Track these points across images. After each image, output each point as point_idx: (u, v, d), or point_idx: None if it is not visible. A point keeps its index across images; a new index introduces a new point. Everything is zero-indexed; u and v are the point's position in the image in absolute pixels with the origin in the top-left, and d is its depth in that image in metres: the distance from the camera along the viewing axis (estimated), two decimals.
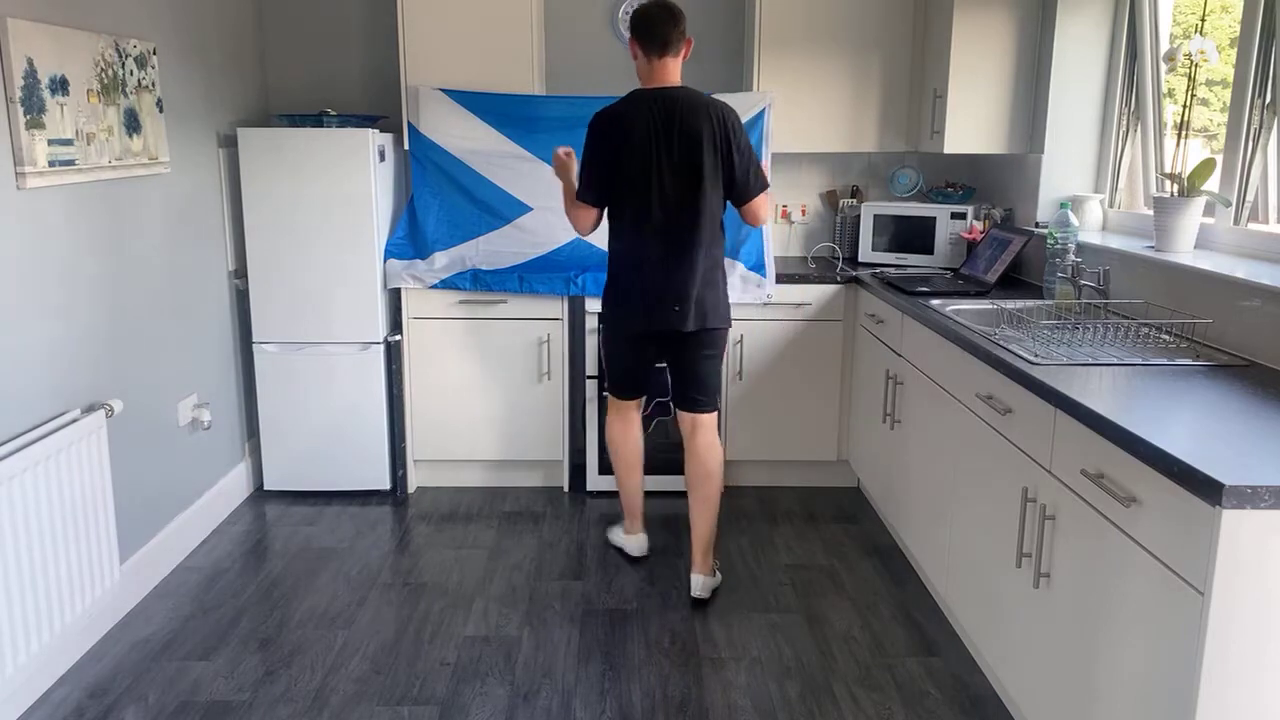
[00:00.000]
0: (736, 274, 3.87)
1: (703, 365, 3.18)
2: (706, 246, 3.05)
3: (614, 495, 4.03)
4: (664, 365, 3.87)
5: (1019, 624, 2.37)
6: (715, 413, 3.26)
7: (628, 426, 3.39)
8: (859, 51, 4.04)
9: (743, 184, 3.05)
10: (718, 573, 3.27)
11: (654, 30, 3.01)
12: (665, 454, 3.99)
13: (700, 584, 3.15)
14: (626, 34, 4.27)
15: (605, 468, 4.01)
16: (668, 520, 3.79)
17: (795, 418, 4.04)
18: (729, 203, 3.13)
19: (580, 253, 3.98)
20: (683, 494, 4.02)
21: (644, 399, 3.45)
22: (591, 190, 3.09)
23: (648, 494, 4.01)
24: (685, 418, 3.25)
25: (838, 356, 4.00)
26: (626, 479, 3.43)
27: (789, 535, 3.66)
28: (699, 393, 3.21)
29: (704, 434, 3.22)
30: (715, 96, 3.93)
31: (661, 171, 3.00)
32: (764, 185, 3.11)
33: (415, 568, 3.38)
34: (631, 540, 3.47)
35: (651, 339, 3.18)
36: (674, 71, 3.07)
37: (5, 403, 2.50)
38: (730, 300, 3.86)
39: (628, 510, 3.48)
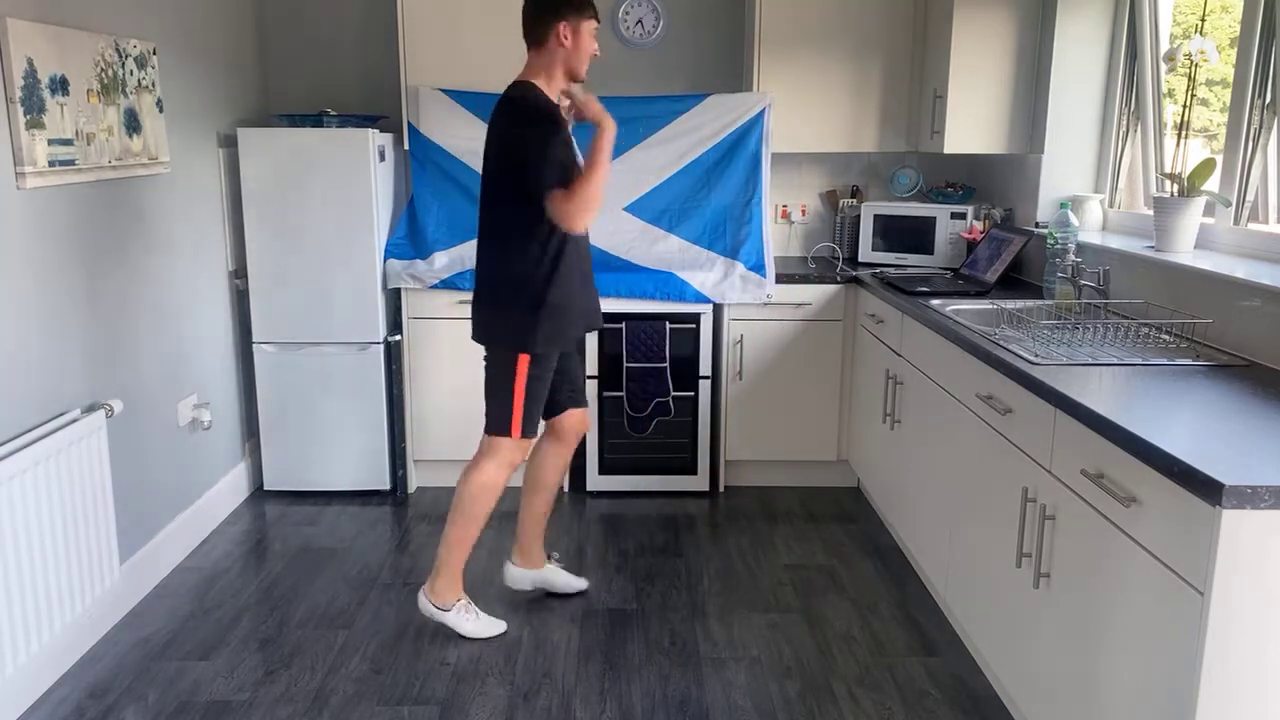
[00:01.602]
0: (736, 274, 3.88)
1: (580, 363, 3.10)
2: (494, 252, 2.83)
3: (615, 495, 4.04)
4: (665, 365, 3.89)
5: (1019, 624, 2.37)
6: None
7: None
8: (859, 52, 4.04)
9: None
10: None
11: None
12: (662, 454, 4.00)
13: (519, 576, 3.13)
14: (627, 34, 4.29)
15: (605, 468, 4.02)
16: (667, 521, 3.79)
17: (795, 418, 4.03)
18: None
19: None
20: (681, 494, 4.04)
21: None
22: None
23: (640, 494, 4.02)
24: (575, 414, 3.07)
25: (838, 356, 4.00)
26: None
27: (789, 535, 3.66)
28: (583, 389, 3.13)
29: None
30: (711, 97, 3.98)
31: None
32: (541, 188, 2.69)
33: (415, 568, 3.38)
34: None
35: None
36: (528, 63, 2.80)
37: (5, 403, 2.50)
38: (730, 300, 3.89)
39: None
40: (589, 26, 2.77)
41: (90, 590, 2.76)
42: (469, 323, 2.90)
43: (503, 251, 2.80)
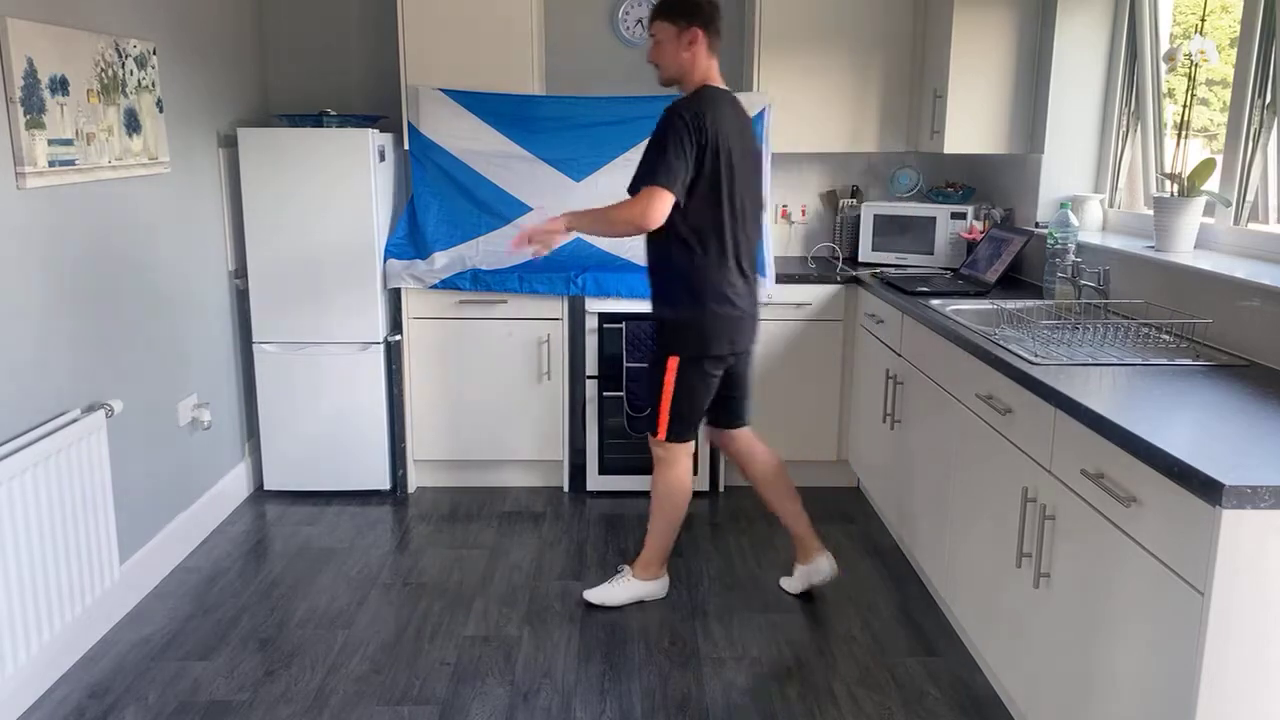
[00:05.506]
0: None
1: (749, 377, 3.14)
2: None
3: (615, 495, 4.04)
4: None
5: (1019, 624, 2.37)
6: None
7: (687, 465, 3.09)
8: (859, 51, 4.04)
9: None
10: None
11: (719, 21, 2.87)
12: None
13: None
14: (627, 34, 4.29)
15: (605, 468, 4.02)
16: None
17: (795, 418, 4.03)
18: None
19: (580, 253, 3.98)
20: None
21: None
22: (682, 186, 2.75)
23: (639, 494, 4.01)
24: (743, 432, 3.16)
25: (838, 356, 4.00)
26: (777, 503, 3.22)
27: (789, 535, 3.65)
28: (748, 405, 3.17)
29: (755, 436, 3.21)
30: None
31: (742, 180, 2.85)
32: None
33: (415, 568, 3.38)
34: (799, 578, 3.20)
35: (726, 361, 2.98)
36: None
37: (5, 403, 2.50)
38: None
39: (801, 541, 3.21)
40: None
41: (90, 590, 2.76)
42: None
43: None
